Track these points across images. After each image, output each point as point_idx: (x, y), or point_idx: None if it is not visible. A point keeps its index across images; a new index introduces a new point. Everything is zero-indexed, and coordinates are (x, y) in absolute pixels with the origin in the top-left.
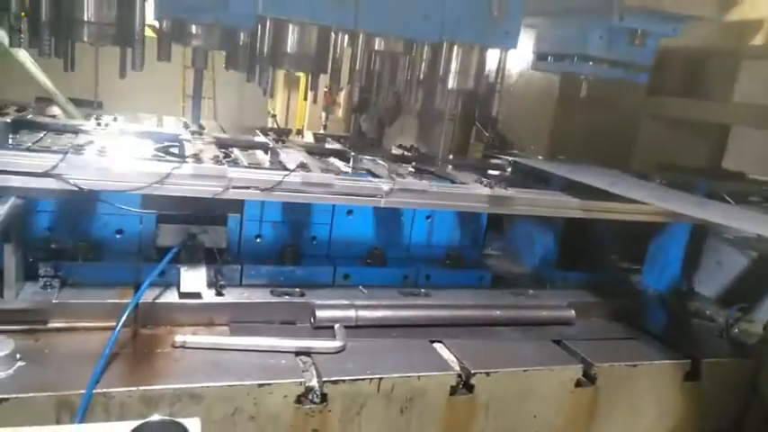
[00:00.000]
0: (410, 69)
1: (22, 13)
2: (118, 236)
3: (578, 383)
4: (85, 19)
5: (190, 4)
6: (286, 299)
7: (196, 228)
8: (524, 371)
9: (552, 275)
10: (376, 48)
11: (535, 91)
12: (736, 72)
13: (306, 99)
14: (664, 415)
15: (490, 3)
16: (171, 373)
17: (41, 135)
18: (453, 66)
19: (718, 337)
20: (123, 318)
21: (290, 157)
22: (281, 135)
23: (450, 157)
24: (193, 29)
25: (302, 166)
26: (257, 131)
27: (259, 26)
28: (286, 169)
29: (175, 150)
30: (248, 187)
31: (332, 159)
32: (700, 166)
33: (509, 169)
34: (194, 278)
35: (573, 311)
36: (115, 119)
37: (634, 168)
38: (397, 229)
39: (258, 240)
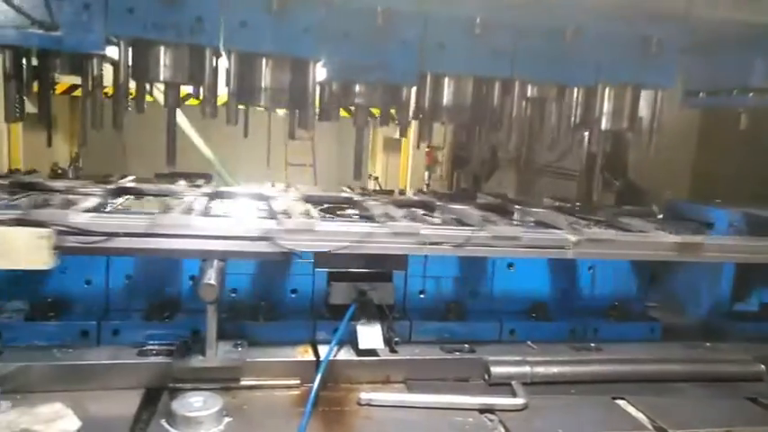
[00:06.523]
0: (558, 115)
1: None
2: (293, 295)
3: None
4: (263, 86)
5: (357, 66)
6: (458, 355)
7: (365, 285)
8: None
9: (726, 326)
10: (529, 95)
11: (669, 133)
12: None
13: (408, 160)
14: None
15: (645, 42)
16: (366, 431)
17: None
18: (606, 107)
19: None
20: (319, 376)
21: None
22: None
23: (577, 205)
24: (357, 88)
25: (488, 221)
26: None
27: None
28: (466, 225)
29: (344, 212)
30: (441, 243)
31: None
32: None
33: (660, 216)
34: (371, 335)
35: (762, 366)
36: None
37: None
38: (558, 282)
39: (421, 296)
